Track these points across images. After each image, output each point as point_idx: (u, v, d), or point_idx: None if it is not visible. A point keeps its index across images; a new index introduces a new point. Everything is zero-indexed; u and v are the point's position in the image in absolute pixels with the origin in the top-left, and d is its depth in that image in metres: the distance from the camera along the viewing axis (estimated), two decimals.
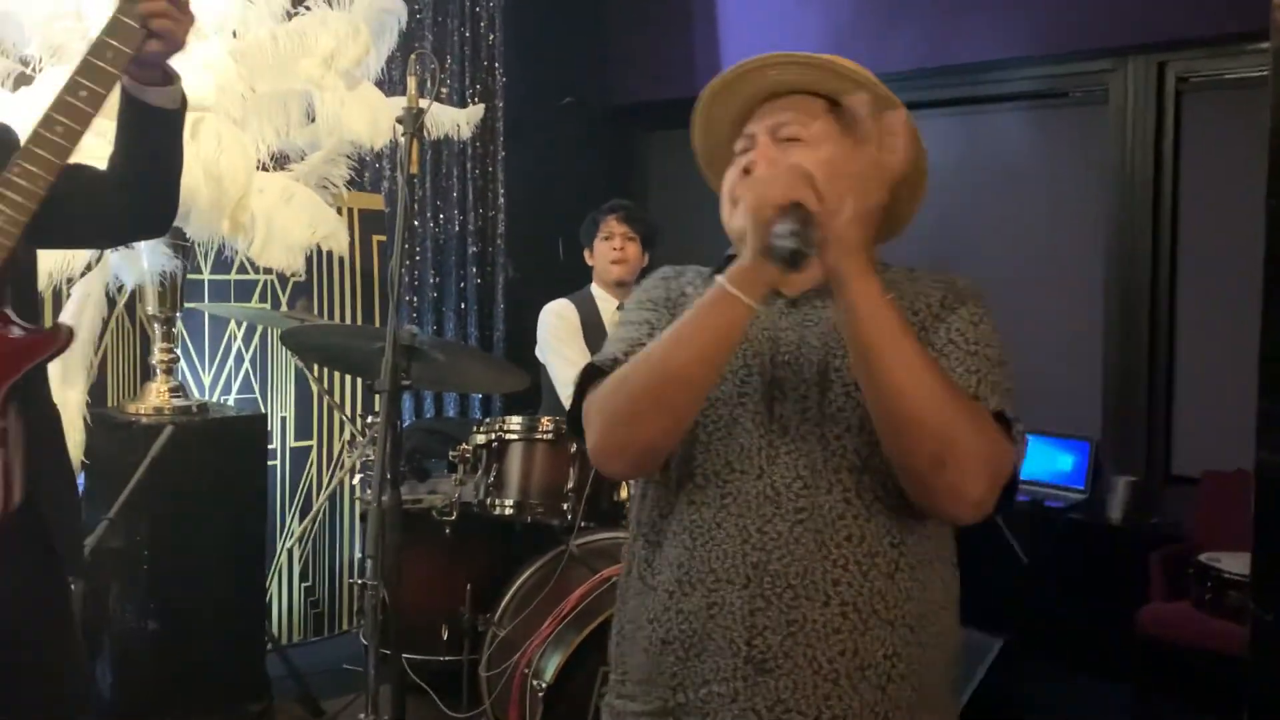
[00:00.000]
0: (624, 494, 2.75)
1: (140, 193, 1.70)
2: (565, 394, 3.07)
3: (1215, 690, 2.99)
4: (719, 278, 1.23)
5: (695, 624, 1.31)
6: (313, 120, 2.98)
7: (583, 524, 2.73)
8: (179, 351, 3.21)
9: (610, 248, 3.35)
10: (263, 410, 3.76)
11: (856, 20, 4.44)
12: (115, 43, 1.51)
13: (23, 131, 1.58)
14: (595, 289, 3.40)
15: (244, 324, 3.78)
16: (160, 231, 2.05)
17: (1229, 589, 3.12)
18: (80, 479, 2.80)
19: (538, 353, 3.39)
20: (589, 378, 1.35)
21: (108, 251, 2.90)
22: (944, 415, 1.19)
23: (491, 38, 4.86)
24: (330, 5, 2.95)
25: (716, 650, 1.31)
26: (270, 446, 3.67)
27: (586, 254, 3.46)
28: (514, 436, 2.89)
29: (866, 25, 4.41)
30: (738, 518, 1.31)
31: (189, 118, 1.74)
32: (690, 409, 1.28)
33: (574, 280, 3.57)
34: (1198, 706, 3.31)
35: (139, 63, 1.55)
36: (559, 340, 3.25)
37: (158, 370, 3.07)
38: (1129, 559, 3.59)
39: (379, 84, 3.17)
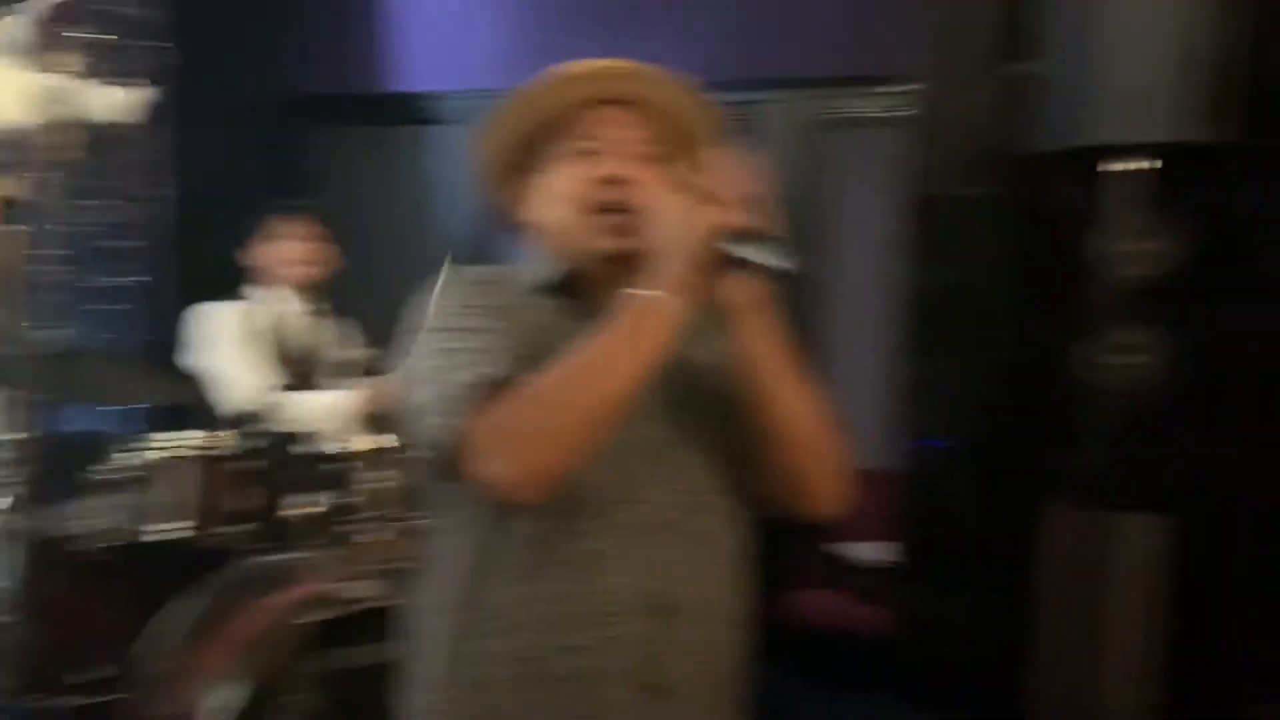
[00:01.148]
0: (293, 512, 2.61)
1: None
2: (237, 399, 2.88)
3: (858, 670, 3.29)
4: (644, 291, 1.20)
5: (587, 659, 1.27)
6: None
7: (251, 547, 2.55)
8: None
9: (297, 248, 3.16)
10: None
11: (539, 32, 4.51)
12: None
13: None
14: (268, 291, 3.18)
15: None
16: None
17: (870, 576, 3.45)
18: None
19: (192, 358, 3.13)
20: (465, 398, 1.23)
21: None
22: (826, 423, 1.32)
23: (160, 15, 4.44)
24: None
25: (611, 682, 1.27)
26: None
27: (259, 252, 3.23)
28: (169, 454, 2.63)
29: (551, 37, 4.49)
30: (632, 546, 1.28)
31: None
32: (617, 429, 1.23)
33: (236, 280, 3.34)
34: (841, 685, 3.61)
35: None
36: (229, 345, 3.01)
37: None
38: (777, 549, 3.86)
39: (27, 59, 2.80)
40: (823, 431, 1.32)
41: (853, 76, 4.04)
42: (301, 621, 2.26)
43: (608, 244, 1.32)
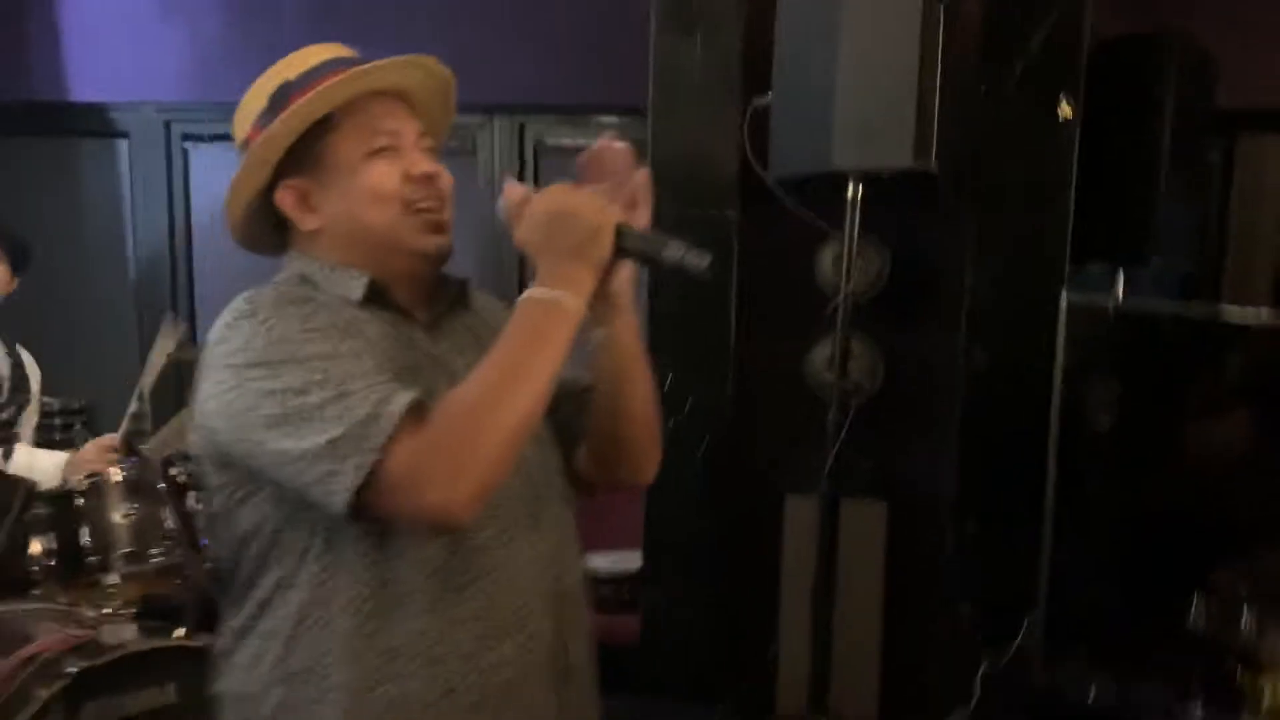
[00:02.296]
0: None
1: None
2: None
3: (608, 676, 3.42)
4: (547, 292, 1.18)
5: (510, 671, 1.26)
6: None
7: None
8: None
9: None
10: None
11: (221, 48, 4.35)
12: None
13: None
14: None
15: None
16: None
17: (608, 585, 3.59)
18: None
19: None
20: (374, 430, 1.11)
21: None
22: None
23: None
24: None
25: (535, 684, 1.28)
26: None
27: None
28: None
29: (232, 53, 4.34)
30: (523, 547, 1.28)
31: None
32: None
33: None
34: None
35: None
36: None
37: None
38: None
39: None
40: (655, 407, 1.40)
41: (568, 105, 4.22)
42: (59, 673, 2.07)
43: (429, 243, 1.30)
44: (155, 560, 2.48)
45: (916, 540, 3.07)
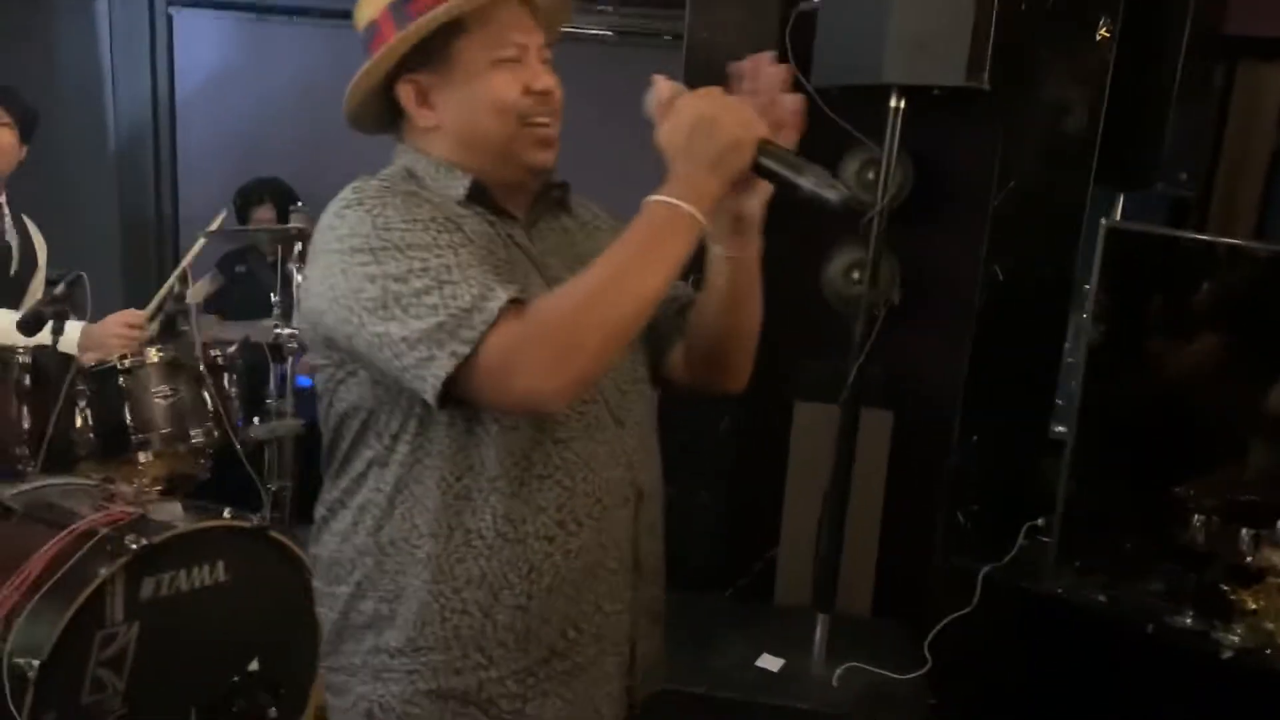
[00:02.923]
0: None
1: None
2: None
3: None
4: (672, 200, 1.17)
5: (587, 558, 1.31)
6: None
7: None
8: None
9: None
10: None
11: None
12: None
13: None
14: None
15: None
16: None
17: None
18: None
19: None
20: (479, 318, 1.14)
21: None
22: None
23: None
24: None
25: (608, 574, 1.34)
26: None
27: None
28: None
29: None
30: (608, 444, 1.33)
31: None
32: None
33: None
34: None
35: None
36: None
37: None
38: None
39: None
40: (759, 325, 1.41)
41: None
42: (120, 549, 2.08)
43: (539, 158, 1.33)
44: (195, 441, 2.48)
45: (921, 449, 3.18)
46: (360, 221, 1.21)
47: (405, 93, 1.33)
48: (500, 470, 1.26)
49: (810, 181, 1.20)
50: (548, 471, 1.28)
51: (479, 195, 1.32)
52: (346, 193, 1.26)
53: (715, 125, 1.20)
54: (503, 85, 1.29)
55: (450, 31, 1.29)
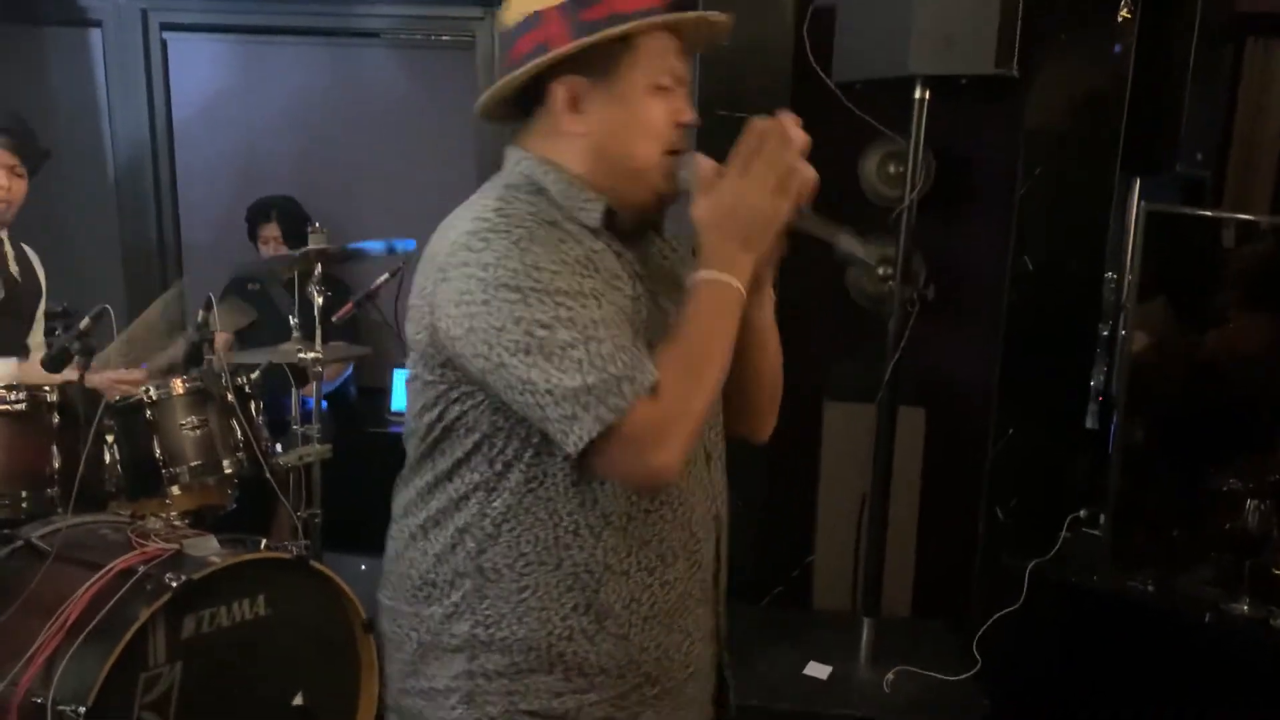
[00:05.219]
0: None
1: None
2: None
3: None
4: (722, 275, 1.23)
5: (680, 588, 1.36)
6: None
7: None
8: None
9: None
10: None
11: None
12: None
13: None
14: None
15: None
16: None
17: None
18: None
19: None
20: (623, 390, 1.16)
21: None
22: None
23: None
24: None
25: (695, 604, 1.39)
26: None
27: None
28: None
29: None
30: (699, 478, 1.38)
31: None
32: None
33: None
34: None
35: None
36: None
37: None
38: None
39: None
40: (780, 374, 1.46)
41: None
42: (161, 587, 2.02)
43: (671, 187, 1.33)
44: (227, 472, 2.43)
45: (956, 444, 3.13)
46: (508, 254, 1.19)
47: (558, 93, 1.30)
48: (613, 506, 1.29)
49: (844, 243, 1.29)
50: (654, 507, 1.32)
51: (610, 222, 1.32)
52: (488, 212, 1.23)
53: (751, 210, 1.24)
54: (658, 112, 1.30)
55: (619, 45, 1.28)
